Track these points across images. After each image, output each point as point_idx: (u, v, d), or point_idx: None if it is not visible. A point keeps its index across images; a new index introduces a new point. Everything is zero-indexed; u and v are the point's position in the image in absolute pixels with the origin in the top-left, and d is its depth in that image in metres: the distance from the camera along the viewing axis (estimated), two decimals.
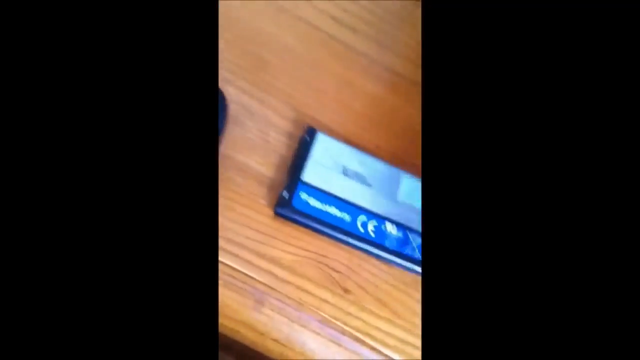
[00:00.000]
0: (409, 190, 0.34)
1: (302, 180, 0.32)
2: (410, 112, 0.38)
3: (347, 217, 0.32)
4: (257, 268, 0.31)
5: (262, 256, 0.31)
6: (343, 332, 0.31)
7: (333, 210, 0.32)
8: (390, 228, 0.33)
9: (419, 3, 0.42)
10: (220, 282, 0.30)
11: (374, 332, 0.31)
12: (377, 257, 0.33)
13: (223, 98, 0.33)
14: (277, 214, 0.32)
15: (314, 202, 0.32)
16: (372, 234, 0.32)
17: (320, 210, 0.32)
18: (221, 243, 0.31)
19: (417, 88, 0.38)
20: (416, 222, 0.34)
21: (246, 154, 0.33)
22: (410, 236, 0.33)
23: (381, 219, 0.33)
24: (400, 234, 0.33)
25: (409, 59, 0.39)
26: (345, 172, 0.33)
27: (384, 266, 0.33)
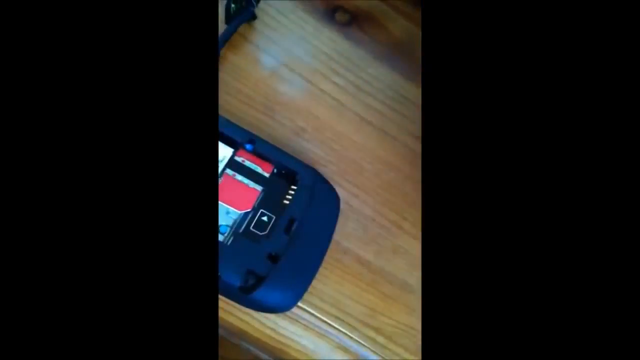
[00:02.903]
0: None
1: None
2: None
3: None
4: (362, 334, 0.37)
5: (367, 325, 0.38)
6: None
7: None
8: None
9: None
10: (333, 343, 0.37)
11: None
12: None
13: (337, 196, 0.41)
14: None
15: None
16: None
17: None
18: (334, 311, 0.38)
19: None
20: None
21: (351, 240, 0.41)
22: None
23: None
24: None
25: None
26: None
27: None
